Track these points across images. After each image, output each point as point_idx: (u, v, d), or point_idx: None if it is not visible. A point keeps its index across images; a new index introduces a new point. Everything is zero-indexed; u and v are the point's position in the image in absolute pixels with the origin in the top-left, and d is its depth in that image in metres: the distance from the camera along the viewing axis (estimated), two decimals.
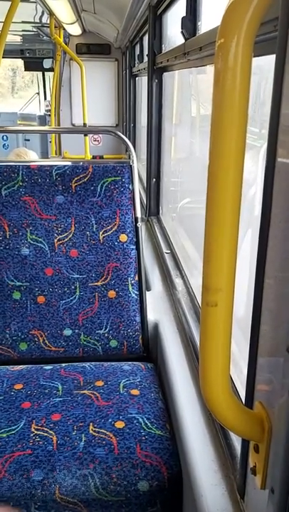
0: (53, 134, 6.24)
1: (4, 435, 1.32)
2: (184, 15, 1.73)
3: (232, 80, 0.61)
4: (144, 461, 1.25)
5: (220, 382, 0.77)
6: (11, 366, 1.66)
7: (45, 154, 7.63)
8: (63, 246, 1.71)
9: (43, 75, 9.92)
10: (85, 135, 5.68)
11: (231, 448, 1.10)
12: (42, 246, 1.70)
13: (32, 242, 1.70)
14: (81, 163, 1.74)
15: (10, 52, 8.30)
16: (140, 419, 1.38)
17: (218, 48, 0.62)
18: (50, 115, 6.57)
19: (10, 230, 1.69)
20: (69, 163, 1.72)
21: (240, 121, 0.63)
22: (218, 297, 0.72)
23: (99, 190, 1.70)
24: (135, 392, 1.50)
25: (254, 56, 0.63)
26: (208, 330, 0.74)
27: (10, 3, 2.88)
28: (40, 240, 1.70)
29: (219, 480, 1.06)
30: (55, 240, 1.70)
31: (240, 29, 0.59)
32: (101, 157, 6.37)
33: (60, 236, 1.70)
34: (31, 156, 4.31)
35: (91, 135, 6.35)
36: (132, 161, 1.72)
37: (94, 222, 1.71)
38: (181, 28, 1.71)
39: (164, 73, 2.68)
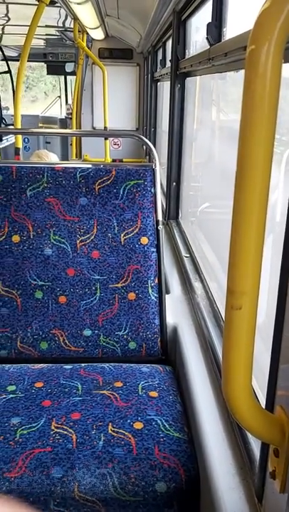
0: (74, 137, 6.30)
1: (25, 432, 1.34)
2: (210, 21, 1.74)
3: (262, 86, 0.62)
4: (162, 462, 1.26)
5: (242, 385, 0.78)
6: (32, 364, 1.68)
7: (65, 157, 7.71)
8: (85, 247, 1.73)
9: (65, 78, 10.03)
10: (106, 139, 5.73)
11: (250, 452, 1.11)
12: (64, 247, 1.73)
13: (55, 242, 1.72)
14: (102, 165, 1.76)
15: (33, 56, 8.41)
16: (158, 421, 1.39)
17: (248, 54, 0.63)
18: (71, 118, 6.63)
19: (34, 230, 1.72)
20: (93, 166, 1.75)
21: (269, 127, 0.64)
22: (243, 300, 0.73)
23: (121, 192, 1.72)
24: (154, 394, 1.51)
25: (284, 62, 0.64)
26: (232, 333, 0.75)
27: (36, 7, 2.93)
28: (62, 240, 1.73)
29: (237, 483, 1.07)
30: (78, 241, 1.73)
31: (272, 36, 0.60)
32: (120, 161, 6.41)
33: (83, 237, 1.73)
34: (52, 158, 4.36)
35: (111, 139, 6.40)
36: (155, 164, 1.74)
37: (116, 224, 1.73)
38: (207, 34, 1.72)
39: (187, 78, 2.69)
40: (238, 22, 1.71)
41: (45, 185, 1.72)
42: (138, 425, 1.37)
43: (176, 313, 1.85)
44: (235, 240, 0.71)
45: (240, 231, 0.70)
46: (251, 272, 0.71)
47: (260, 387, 1.27)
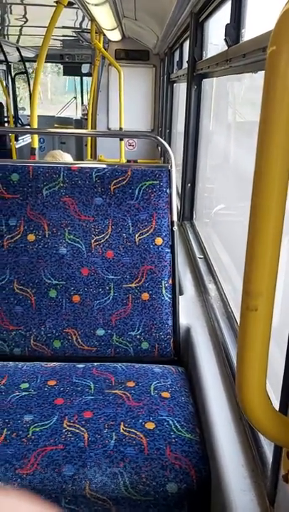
0: (89, 138, 6.33)
1: (38, 429, 1.35)
2: (228, 22, 1.74)
3: (282, 87, 0.62)
4: (174, 463, 1.26)
5: (256, 387, 0.78)
6: (45, 363, 1.70)
7: (80, 158, 7.75)
8: (100, 247, 1.74)
9: (81, 79, 10.08)
10: (121, 139, 5.74)
11: (262, 454, 1.10)
12: (79, 246, 1.74)
13: (70, 242, 1.73)
14: (120, 166, 1.76)
15: (50, 57, 8.47)
16: (170, 422, 1.39)
17: (269, 55, 0.63)
18: (86, 119, 6.67)
19: (49, 229, 1.73)
20: (108, 166, 1.75)
21: None
22: (259, 302, 0.73)
23: (137, 193, 1.72)
24: (166, 394, 1.51)
25: None
26: (247, 334, 0.75)
27: (53, 8, 2.96)
28: (77, 240, 1.74)
29: (249, 486, 1.06)
30: (92, 241, 1.74)
31: None
32: (135, 161, 6.42)
33: (97, 237, 1.74)
34: (66, 158, 4.39)
35: (126, 140, 6.42)
36: (171, 165, 1.74)
37: (130, 224, 1.73)
38: (225, 35, 1.72)
39: (204, 80, 2.69)
40: (255, 24, 1.71)
41: (61, 184, 1.73)
42: (150, 425, 1.37)
43: (189, 314, 1.85)
44: (252, 240, 0.71)
45: (257, 232, 0.70)
46: (268, 273, 0.71)
47: (274, 389, 1.27)
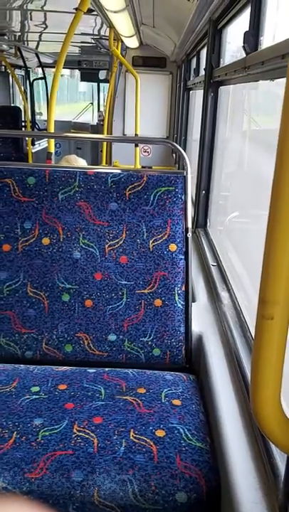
0: (105, 144, 6.36)
1: (47, 433, 1.34)
2: (247, 30, 1.74)
3: None
4: (184, 472, 1.24)
5: (271, 397, 0.77)
6: (56, 367, 1.69)
7: (95, 163, 7.79)
8: (113, 252, 1.74)
9: (98, 85, 10.16)
10: (136, 145, 5.77)
11: (274, 466, 1.08)
12: (93, 251, 1.74)
13: (84, 246, 1.74)
14: (135, 172, 1.76)
15: (68, 63, 8.55)
16: (181, 430, 1.37)
17: None
18: (102, 125, 6.71)
19: (64, 233, 1.73)
20: (124, 172, 1.75)
21: None
22: (275, 310, 0.72)
23: (152, 199, 1.72)
24: (177, 402, 1.50)
25: None
26: (263, 343, 0.74)
27: (73, 15, 2.98)
28: (91, 244, 1.74)
29: (260, 498, 1.04)
30: (106, 246, 1.74)
31: None
32: (150, 168, 6.44)
33: (111, 242, 1.74)
34: (80, 163, 4.41)
35: (141, 146, 6.44)
36: (186, 171, 1.74)
37: (145, 230, 1.73)
38: (243, 43, 1.71)
39: (221, 87, 2.69)
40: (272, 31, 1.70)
41: (77, 189, 1.73)
42: (160, 433, 1.36)
43: (201, 321, 1.84)
44: (270, 249, 0.70)
45: (274, 240, 0.69)
46: (285, 282, 0.70)
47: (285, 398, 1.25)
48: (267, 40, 1.67)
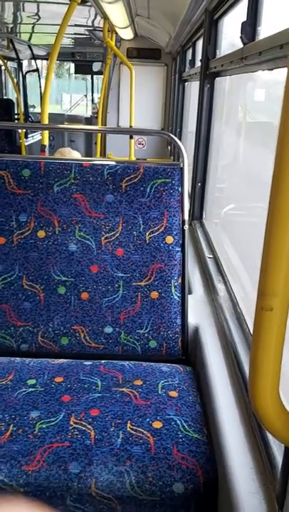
0: (99, 136, 6.33)
1: (44, 426, 1.34)
2: (244, 20, 1.72)
3: None
4: (181, 463, 1.25)
5: (269, 388, 0.77)
6: (52, 359, 1.69)
7: (89, 156, 7.75)
8: (110, 244, 1.73)
9: (92, 77, 10.09)
10: (131, 137, 5.74)
11: (271, 456, 1.09)
12: (89, 243, 1.73)
13: (80, 239, 1.73)
14: (131, 164, 1.75)
15: (61, 55, 8.47)
16: (178, 421, 1.38)
17: None
18: (96, 117, 6.67)
19: (59, 226, 1.72)
20: (120, 164, 1.74)
21: None
22: (274, 302, 0.72)
23: (148, 191, 1.71)
24: (173, 393, 1.50)
25: None
26: (262, 335, 0.74)
27: (66, 6, 2.95)
28: (87, 237, 1.73)
29: (257, 488, 1.05)
30: (102, 238, 1.73)
31: None
32: (144, 160, 6.41)
33: (108, 234, 1.73)
34: (74, 156, 4.39)
35: (136, 138, 6.41)
36: (183, 163, 1.73)
37: (141, 222, 1.72)
38: (241, 33, 1.70)
39: (216, 79, 2.67)
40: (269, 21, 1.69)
41: (73, 181, 1.72)
42: (157, 424, 1.36)
43: (198, 313, 1.84)
44: (269, 241, 0.70)
45: (274, 232, 0.69)
46: (284, 274, 0.70)
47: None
48: (265, 30, 1.66)
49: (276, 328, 0.73)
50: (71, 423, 1.36)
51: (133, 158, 5.81)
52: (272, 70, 1.45)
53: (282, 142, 0.65)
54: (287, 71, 0.62)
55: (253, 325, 0.75)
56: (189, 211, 2.93)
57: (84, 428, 1.34)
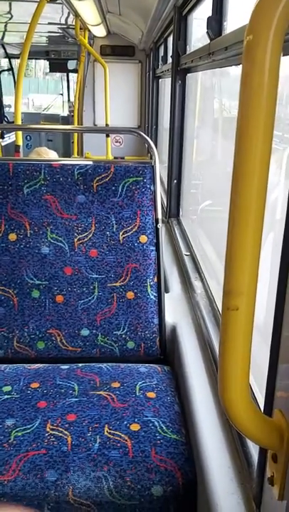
0: (76, 135, 6.27)
1: (20, 434, 1.31)
2: (210, 15, 1.71)
3: (260, 77, 0.60)
4: (159, 465, 1.24)
5: (239, 388, 0.76)
6: (28, 365, 1.66)
7: (67, 155, 7.69)
8: (83, 246, 1.70)
9: (67, 76, 10.00)
10: (107, 136, 5.70)
11: (248, 456, 1.08)
12: (62, 245, 1.70)
13: (52, 241, 1.70)
14: (103, 163, 1.73)
15: (36, 54, 8.38)
16: (156, 423, 1.36)
17: (246, 46, 0.60)
18: (73, 116, 6.62)
19: (31, 228, 1.69)
20: (91, 163, 1.72)
21: (267, 121, 0.61)
22: (240, 301, 0.71)
23: (120, 190, 1.69)
24: (151, 394, 1.49)
25: (283, 55, 0.61)
26: (229, 334, 0.73)
27: (36, 4, 2.91)
28: (60, 239, 1.70)
29: (235, 488, 1.04)
30: (75, 240, 1.70)
31: (270, 26, 0.58)
32: (122, 158, 6.39)
33: (80, 236, 1.70)
34: (51, 156, 4.33)
35: (113, 136, 6.37)
36: (154, 161, 1.71)
37: (114, 222, 1.70)
38: (207, 28, 1.69)
39: (188, 75, 2.66)
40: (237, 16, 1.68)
41: (42, 182, 1.69)
42: (135, 427, 1.34)
43: (175, 312, 1.83)
44: (232, 239, 0.68)
45: (237, 230, 0.68)
46: (248, 272, 0.69)
47: (260, 388, 1.25)
48: (231, 25, 1.65)
49: (243, 328, 0.72)
50: (47, 430, 1.33)
51: (110, 157, 5.78)
52: (238, 65, 1.44)
53: (240, 136, 0.63)
54: (242, 67, 0.61)
55: (220, 325, 0.74)
56: (166, 209, 2.92)
57: (60, 434, 1.31)
